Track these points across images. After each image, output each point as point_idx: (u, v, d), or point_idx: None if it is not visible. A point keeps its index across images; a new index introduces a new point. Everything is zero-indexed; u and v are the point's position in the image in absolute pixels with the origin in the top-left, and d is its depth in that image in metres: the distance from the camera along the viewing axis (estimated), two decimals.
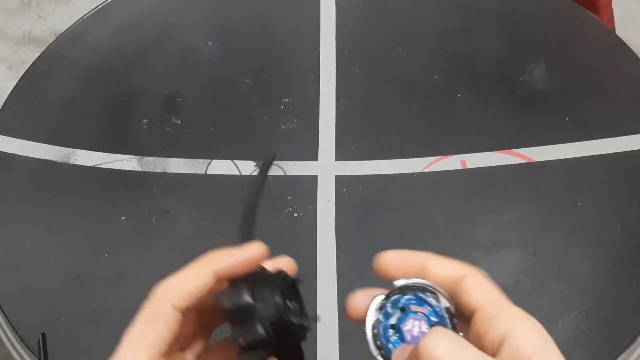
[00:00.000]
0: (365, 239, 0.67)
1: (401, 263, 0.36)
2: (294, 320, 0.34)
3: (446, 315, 0.35)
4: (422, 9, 0.88)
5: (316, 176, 0.72)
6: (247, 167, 0.73)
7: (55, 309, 0.64)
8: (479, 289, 0.34)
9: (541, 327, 0.33)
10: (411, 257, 0.36)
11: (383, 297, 0.36)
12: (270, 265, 0.37)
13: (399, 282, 0.36)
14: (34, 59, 0.85)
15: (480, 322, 0.32)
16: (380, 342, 0.35)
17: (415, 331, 0.35)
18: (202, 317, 0.37)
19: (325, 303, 0.62)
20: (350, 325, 0.61)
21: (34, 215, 0.70)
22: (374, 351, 0.35)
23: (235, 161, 0.73)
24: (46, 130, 0.77)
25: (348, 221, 0.68)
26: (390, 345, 0.35)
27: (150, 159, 0.74)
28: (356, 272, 0.65)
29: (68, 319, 0.63)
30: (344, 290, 0.63)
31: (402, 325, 0.35)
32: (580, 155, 0.72)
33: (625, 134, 0.73)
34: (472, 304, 0.33)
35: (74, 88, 0.81)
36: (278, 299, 0.34)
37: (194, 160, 0.74)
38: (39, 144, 0.76)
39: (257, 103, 0.79)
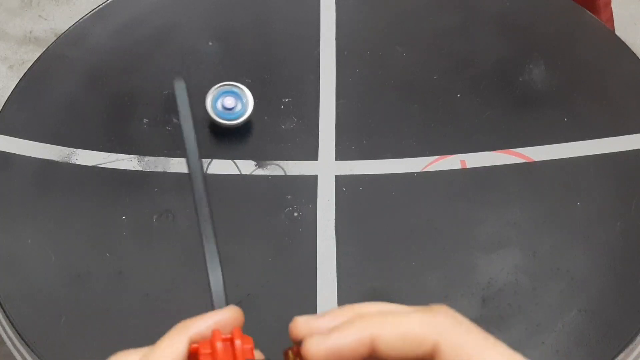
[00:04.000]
0: (365, 238, 0.68)
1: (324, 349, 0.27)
2: None
3: None
4: (422, 9, 0.88)
5: (316, 176, 0.72)
6: (248, 167, 0.73)
7: (56, 308, 0.64)
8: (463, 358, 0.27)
9: None
10: (351, 338, 0.27)
11: None
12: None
13: None
14: (35, 58, 0.85)
15: None
16: None
17: None
18: None
19: (325, 303, 0.63)
20: None
21: (35, 215, 0.71)
22: None
23: (236, 161, 0.74)
24: (47, 130, 0.77)
25: (348, 221, 0.68)
26: None
27: (151, 158, 0.74)
28: (356, 272, 0.65)
29: (69, 318, 0.63)
30: (344, 290, 0.64)
31: None
32: (579, 155, 0.72)
33: (625, 134, 0.74)
34: None
35: (75, 88, 0.81)
36: None
37: None
38: (39, 143, 0.76)
39: (257, 103, 0.79)
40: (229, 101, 0.71)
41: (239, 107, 0.71)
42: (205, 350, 0.31)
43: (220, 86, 0.72)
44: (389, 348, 0.26)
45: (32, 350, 0.62)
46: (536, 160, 0.72)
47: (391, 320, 0.27)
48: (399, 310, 0.28)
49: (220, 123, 0.72)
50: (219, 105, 0.71)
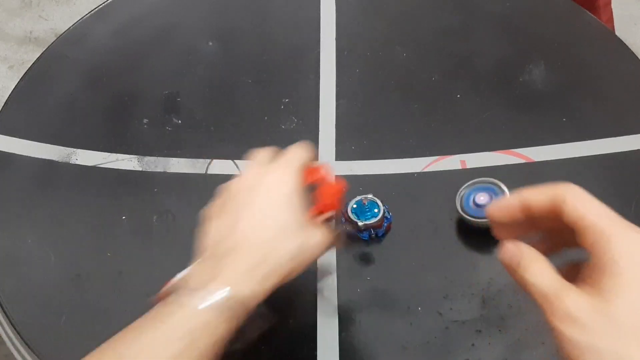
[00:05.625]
0: None
1: (505, 211, 0.39)
2: None
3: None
4: (422, 9, 0.88)
5: None
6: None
7: (56, 308, 0.64)
8: (580, 205, 0.35)
9: None
10: (510, 202, 0.39)
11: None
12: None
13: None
14: (35, 58, 0.85)
15: (589, 242, 0.34)
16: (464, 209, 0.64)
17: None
18: None
19: (325, 302, 0.63)
20: (350, 325, 0.61)
21: (35, 215, 0.71)
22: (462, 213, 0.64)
23: (236, 161, 0.74)
24: (47, 130, 0.77)
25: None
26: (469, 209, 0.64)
27: (151, 158, 0.74)
28: (356, 271, 0.65)
29: (69, 318, 0.63)
30: (344, 289, 0.64)
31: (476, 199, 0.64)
32: (579, 155, 0.72)
33: (625, 134, 0.74)
34: (578, 221, 0.35)
35: (75, 88, 0.81)
36: None
37: (194, 160, 0.74)
38: (39, 143, 0.76)
39: (257, 103, 0.79)
40: (482, 198, 0.64)
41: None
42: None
43: (476, 182, 0.66)
44: (533, 200, 0.37)
45: (32, 350, 0.62)
46: (536, 160, 0.72)
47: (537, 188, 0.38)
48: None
49: (467, 220, 0.64)
50: (470, 201, 0.65)
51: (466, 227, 0.67)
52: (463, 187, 0.66)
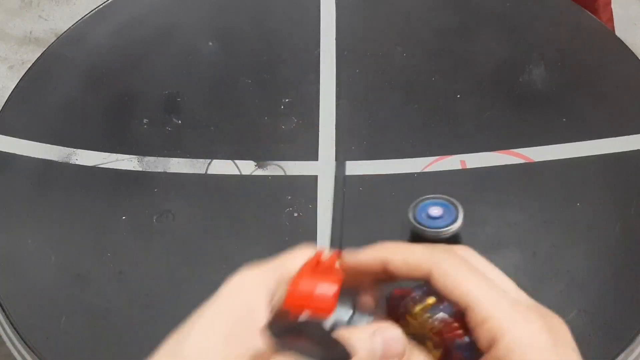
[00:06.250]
0: (365, 238, 0.67)
1: (361, 264, 0.38)
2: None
3: None
4: (422, 9, 0.88)
5: (316, 176, 0.72)
6: (248, 167, 0.73)
7: (56, 308, 0.64)
8: (447, 283, 0.34)
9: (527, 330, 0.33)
10: (370, 257, 0.37)
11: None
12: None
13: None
14: (35, 59, 0.85)
15: (471, 319, 0.33)
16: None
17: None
18: None
19: None
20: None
21: (35, 215, 0.70)
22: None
23: (236, 161, 0.74)
24: (47, 130, 0.77)
25: (348, 221, 0.68)
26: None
27: (151, 158, 0.74)
28: None
29: (69, 318, 0.63)
30: None
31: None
32: (579, 155, 0.72)
33: (625, 134, 0.74)
34: (453, 298, 0.34)
35: (75, 88, 0.81)
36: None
37: (194, 160, 0.74)
38: (39, 143, 0.76)
39: (257, 103, 0.79)
40: (435, 211, 0.63)
41: (445, 218, 0.63)
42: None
43: (434, 197, 0.64)
44: (395, 269, 0.36)
45: (32, 350, 0.62)
46: (536, 160, 0.72)
47: (401, 249, 0.36)
48: (412, 245, 0.36)
49: (418, 229, 0.63)
50: (424, 211, 0.63)
51: (466, 226, 0.67)
52: (418, 200, 0.64)
